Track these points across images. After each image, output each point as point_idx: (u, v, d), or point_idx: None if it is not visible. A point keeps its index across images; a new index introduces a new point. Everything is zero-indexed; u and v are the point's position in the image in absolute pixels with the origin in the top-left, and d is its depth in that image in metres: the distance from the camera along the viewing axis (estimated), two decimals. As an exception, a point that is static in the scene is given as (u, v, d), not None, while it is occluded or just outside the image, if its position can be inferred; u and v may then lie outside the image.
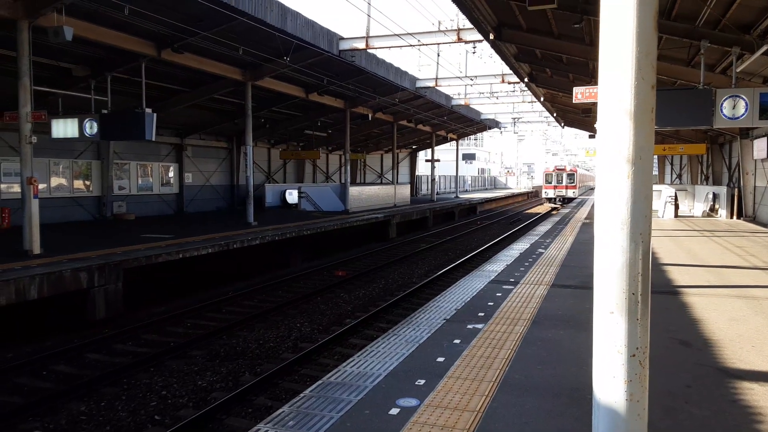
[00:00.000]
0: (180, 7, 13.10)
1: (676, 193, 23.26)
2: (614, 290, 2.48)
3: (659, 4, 2.47)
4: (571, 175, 45.16)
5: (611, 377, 2.50)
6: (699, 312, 7.24)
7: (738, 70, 10.76)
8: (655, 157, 29.25)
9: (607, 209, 2.49)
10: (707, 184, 26.18)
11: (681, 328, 6.47)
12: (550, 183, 45.57)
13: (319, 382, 4.89)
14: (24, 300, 9.57)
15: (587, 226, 18.39)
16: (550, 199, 45.90)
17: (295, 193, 28.87)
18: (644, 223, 2.46)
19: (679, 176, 32.03)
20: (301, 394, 4.62)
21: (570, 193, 44.51)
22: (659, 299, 7.72)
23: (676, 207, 23.04)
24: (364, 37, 17.70)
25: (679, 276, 9.80)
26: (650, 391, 2.56)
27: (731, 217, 21.65)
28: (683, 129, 20.46)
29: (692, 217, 23.44)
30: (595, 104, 13.74)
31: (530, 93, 24.66)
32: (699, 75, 10.82)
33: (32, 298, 9.69)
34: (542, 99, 24.39)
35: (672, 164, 33.17)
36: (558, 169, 46.28)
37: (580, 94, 11.46)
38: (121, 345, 9.76)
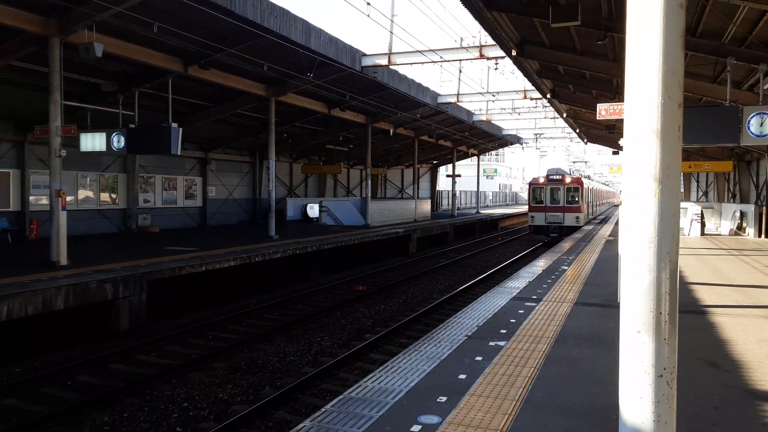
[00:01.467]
0: (207, 25, 13.37)
1: (702, 211, 22.90)
2: (641, 309, 2.45)
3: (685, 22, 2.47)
4: (573, 191, 27.77)
5: (638, 398, 2.47)
6: (727, 332, 7.09)
7: (765, 87, 10.62)
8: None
9: (634, 227, 2.48)
10: (734, 201, 25.73)
11: (708, 349, 6.34)
12: (541, 203, 28.05)
13: (340, 396, 4.89)
14: (50, 310, 9.74)
15: (611, 244, 18.16)
16: (537, 230, 28.43)
17: (316, 207, 29.06)
18: (671, 241, 2.44)
19: (705, 194, 31.55)
20: (322, 409, 4.62)
21: (571, 220, 27.56)
22: (686, 318, 7.58)
23: (703, 225, 22.68)
24: (386, 54, 17.86)
25: (706, 295, 9.62)
26: (677, 413, 2.51)
27: (759, 236, 21.21)
28: (709, 146, 20.19)
29: (719, 235, 23.02)
30: (619, 120, 13.64)
31: (553, 109, 24.59)
32: (725, 92, 10.71)
33: (58, 308, 9.85)
34: (565, 115, 24.29)
35: (698, 181, 32.71)
36: (551, 180, 28.13)
37: (603, 111, 11.39)
38: (143, 356, 9.87)
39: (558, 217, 27.68)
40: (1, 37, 12.56)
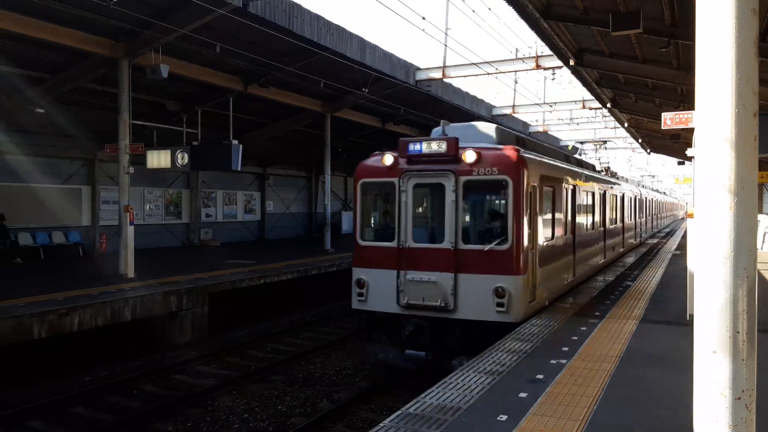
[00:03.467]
0: (266, 44, 13.75)
1: (777, 223, 21.65)
2: (717, 328, 2.34)
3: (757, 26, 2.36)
4: (490, 191, 8.39)
5: (714, 421, 2.35)
6: (808, 353, 6.64)
7: None
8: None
9: (707, 242, 2.37)
10: (812, 213, 24.25)
11: (787, 370, 5.95)
12: (384, 235, 8.74)
13: (399, 412, 4.85)
14: (118, 321, 10.13)
15: (678, 258, 17.42)
16: (382, 324, 8.71)
17: (371, 220, 29.14)
18: (748, 257, 2.32)
19: (780, 204, 29.90)
20: (381, 424, 4.59)
21: (481, 299, 7.79)
22: (764, 338, 7.15)
23: (778, 238, 21.42)
24: (440, 67, 17.86)
25: (782, 313, 9.06)
26: (759, 440, 2.37)
27: (841, 250, 19.87)
28: (783, 154, 19.12)
29: (795, 248, 21.69)
30: (684, 130, 13.13)
31: (613, 119, 23.92)
32: (801, 98, 10.13)
33: (126, 319, 10.24)
34: (626, 125, 23.56)
35: (771, 192, 31.04)
36: (420, 156, 8.20)
37: (669, 120, 10.93)
38: (205, 367, 10.11)
39: (433, 286, 8.23)
40: (74, 60, 13.30)
